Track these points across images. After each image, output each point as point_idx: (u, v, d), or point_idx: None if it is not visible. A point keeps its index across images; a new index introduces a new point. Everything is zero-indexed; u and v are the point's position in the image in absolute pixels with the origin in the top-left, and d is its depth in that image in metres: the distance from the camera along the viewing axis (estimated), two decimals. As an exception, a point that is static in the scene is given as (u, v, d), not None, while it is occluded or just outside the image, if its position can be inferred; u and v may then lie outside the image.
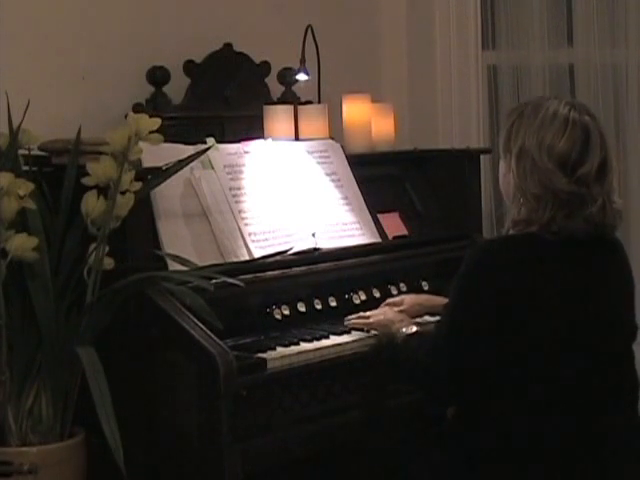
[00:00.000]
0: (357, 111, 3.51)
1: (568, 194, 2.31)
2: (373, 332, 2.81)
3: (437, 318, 2.93)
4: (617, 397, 2.37)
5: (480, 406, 2.38)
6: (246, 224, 2.93)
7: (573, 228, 2.32)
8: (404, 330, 2.64)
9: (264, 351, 2.61)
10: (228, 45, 3.52)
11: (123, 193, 2.55)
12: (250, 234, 2.92)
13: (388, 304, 2.94)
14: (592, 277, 2.37)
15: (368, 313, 2.86)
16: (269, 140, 3.22)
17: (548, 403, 2.30)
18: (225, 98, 3.50)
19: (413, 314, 2.91)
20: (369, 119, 3.53)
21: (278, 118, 3.31)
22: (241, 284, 2.61)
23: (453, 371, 2.37)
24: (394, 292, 3.10)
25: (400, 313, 2.82)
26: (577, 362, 2.30)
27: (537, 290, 2.30)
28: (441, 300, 2.93)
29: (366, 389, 2.78)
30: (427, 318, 2.96)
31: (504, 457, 2.33)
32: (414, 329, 2.65)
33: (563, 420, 2.30)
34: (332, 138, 3.39)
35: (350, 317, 2.88)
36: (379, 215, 3.34)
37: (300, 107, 3.37)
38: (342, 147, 3.36)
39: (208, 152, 2.88)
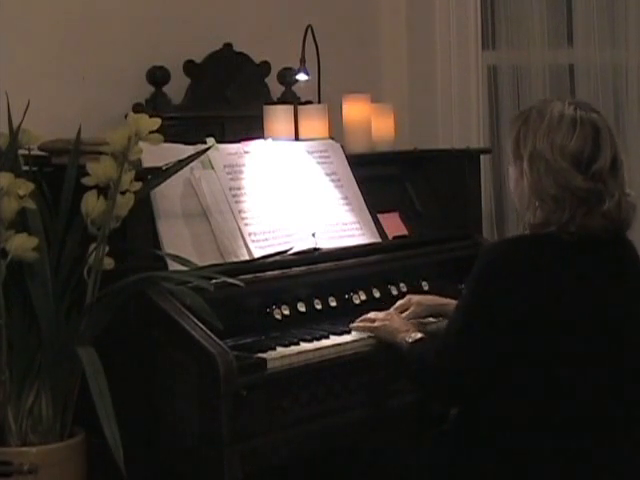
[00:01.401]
0: (357, 111, 3.51)
1: (586, 191, 2.31)
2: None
3: (440, 320, 2.92)
4: (630, 399, 2.37)
5: (482, 406, 2.38)
6: (246, 224, 2.93)
7: (592, 225, 2.32)
8: (408, 340, 2.61)
9: (264, 351, 2.61)
10: (228, 45, 3.52)
11: (123, 193, 2.55)
12: (250, 234, 2.92)
13: (396, 308, 2.91)
14: (609, 277, 2.36)
15: (372, 315, 2.83)
16: (269, 140, 3.22)
17: (554, 404, 2.30)
18: (225, 98, 3.50)
19: (419, 314, 2.89)
20: (369, 119, 3.53)
21: (278, 118, 3.31)
22: (241, 284, 2.61)
23: (461, 371, 2.36)
24: (394, 292, 3.10)
25: (406, 322, 2.76)
26: (592, 364, 2.30)
27: (552, 291, 2.29)
28: (447, 302, 2.91)
29: (366, 389, 2.78)
30: (430, 319, 2.95)
31: (504, 457, 2.33)
32: (418, 336, 2.61)
33: (564, 421, 2.30)
34: (332, 138, 3.39)
35: (358, 320, 2.85)
36: (379, 215, 3.34)
37: (300, 107, 3.37)
38: (342, 147, 3.36)
39: (208, 152, 2.88)
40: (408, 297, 2.96)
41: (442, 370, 2.40)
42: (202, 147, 2.87)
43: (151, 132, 2.57)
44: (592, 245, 2.34)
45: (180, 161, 2.72)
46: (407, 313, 2.88)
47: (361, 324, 2.82)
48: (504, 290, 2.30)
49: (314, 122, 3.34)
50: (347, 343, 2.77)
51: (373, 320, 2.80)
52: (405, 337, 2.62)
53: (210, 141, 2.98)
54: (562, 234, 2.32)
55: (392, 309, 2.89)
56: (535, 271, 2.30)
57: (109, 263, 2.57)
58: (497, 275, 2.32)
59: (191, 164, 2.79)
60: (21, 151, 2.65)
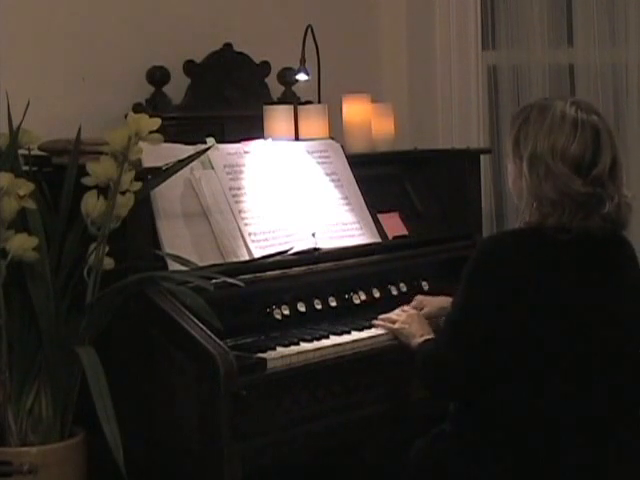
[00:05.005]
0: (357, 111, 3.51)
1: (585, 195, 2.31)
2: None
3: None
4: (626, 399, 2.37)
5: (481, 407, 2.38)
6: (246, 224, 2.93)
7: (590, 227, 2.32)
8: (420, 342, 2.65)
9: (264, 351, 2.61)
10: (228, 45, 3.52)
11: (123, 193, 2.55)
12: (250, 234, 2.92)
13: (412, 308, 2.93)
14: (605, 275, 2.36)
15: (395, 316, 2.85)
16: (269, 140, 3.22)
17: (550, 402, 2.30)
18: (225, 98, 3.50)
19: (438, 315, 2.89)
20: (369, 119, 3.53)
21: (278, 118, 3.31)
22: (241, 284, 2.61)
23: (460, 356, 2.37)
24: (394, 292, 3.10)
25: (424, 326, 2.77)
26: (584, 363, 2.30)
27: (546, 289, 2.30)
28: None
29: (366, 389, 2.78)
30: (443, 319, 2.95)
31: (504, 457, 2.33)
32: (429, 337, 2.66)
33: (564, 420, 2.30)
34: (332, 138, 3.39)
35: (381, 317, 2.87)
36: (379, 215, 3.34)
37: (300, 107, 3.37)
38: (342, 147, 3.36)
39: (208, 152, 2.88)
40: (420, 299, 2.98)
41: (441, 356, 2.42)
42: (202, 147, 2.87)
43: (151, 132, 2.57)
44: (588, 242, 2.34)
45: (180, 161, 2.72)
46: (422, 313, 2.90)
47: (382, 323, 2.86)
48: (499, 284, 2.31)
49: (314, 122, 3.34)
50: (347, 343, 2.77)
51: (394, 321, 2.83)
52: (418, 341, 2.66)
53: (210, 141, 2.98)
54: (558, 233, 2.32)
55: (410, 308, 2.92)
56: (530, 268, 2.31)
57: (109, 263, 2.58)
58: (491, 268, 2.33)
59: (191, 164, 2.79)
60: (21, 151, 2.66)
